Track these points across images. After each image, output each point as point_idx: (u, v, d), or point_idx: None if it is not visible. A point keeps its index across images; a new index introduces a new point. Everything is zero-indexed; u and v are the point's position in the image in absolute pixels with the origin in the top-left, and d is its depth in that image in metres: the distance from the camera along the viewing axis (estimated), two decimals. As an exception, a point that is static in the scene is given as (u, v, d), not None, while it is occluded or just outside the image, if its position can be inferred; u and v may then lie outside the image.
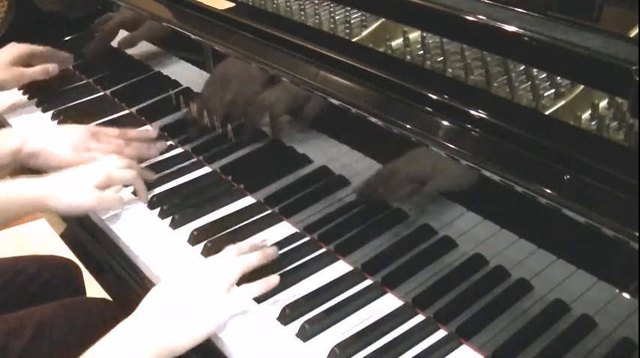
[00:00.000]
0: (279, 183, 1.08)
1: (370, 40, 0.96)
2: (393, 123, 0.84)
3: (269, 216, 1.08)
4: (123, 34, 1.43)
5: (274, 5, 1.10)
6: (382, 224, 0.93)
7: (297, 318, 0.88)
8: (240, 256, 0.92)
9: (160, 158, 1.23)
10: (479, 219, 0.81)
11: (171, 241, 1.05)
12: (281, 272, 0.95)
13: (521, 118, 0.77)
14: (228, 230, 1.05)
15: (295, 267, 0.97)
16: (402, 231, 0.91)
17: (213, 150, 1.21)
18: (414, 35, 0.95)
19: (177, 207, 1.10)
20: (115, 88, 1.47)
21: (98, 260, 1.16)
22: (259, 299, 0.91)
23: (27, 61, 1.42)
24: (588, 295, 0.72)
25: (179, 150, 1.26)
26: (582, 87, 0.78)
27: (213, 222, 1.07)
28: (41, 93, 1.46)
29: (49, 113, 1.41)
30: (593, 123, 0.75)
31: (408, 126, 0.82)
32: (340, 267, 0.97)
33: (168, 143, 1.26)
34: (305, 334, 0.86)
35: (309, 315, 0.89)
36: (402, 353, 0.84)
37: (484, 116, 0.77)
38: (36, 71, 1.41)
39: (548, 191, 0.69)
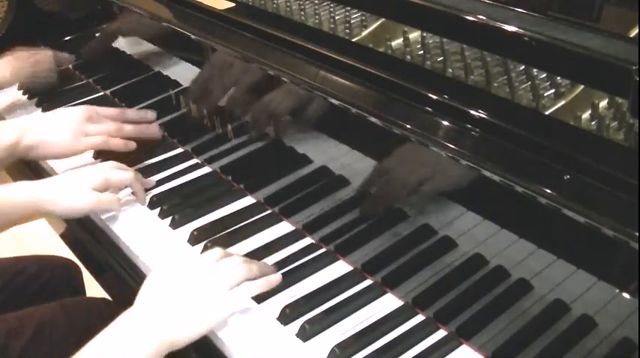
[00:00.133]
0: (279, 183, 1.08)
1: (370, 40, 0.96)
2: (393, 123, 0.84)
3: (269, 216, 1.08)
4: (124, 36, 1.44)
5: (274, 5, 1.10)
6: (382, 224, 0.93)
7: (297, 318, 0.88)
8: (247, 264, 0.90)
9: (160, 158, 1.24)
10: (479, 219, 0.81)
11: (171, 241, 1.05)
12: (281, 272, 0.95)
13: (521, 118, 0.77)
14: (228, 230, 1.05)
15: (295, 267, 0.97)
16: (402, 231, 0.91)
17: (213, 150, 1.21)
18: (414, 35, 0.95)
19: (177, 207, 1.10)
20: (115, 88, 1.47)
21: (98, 260, 1.16)
22: (259, 299, 0.91)
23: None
24: (588, 295, 0.72)
25: (179, 150, 1.26)
26: (582, 87, 0.78)
27: (213, 222, 1.07)
28: (41, 93, 1.46)
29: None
30: (593, 123, 0.75)
31: (408, 126, 0.82)
32: (340, 267, 0.97)
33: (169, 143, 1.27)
34: (305, 334, 0.86)
35: (309, 315, 0.89)
36: (402, 353, 0.84)
37: (484, 116, 0.77)
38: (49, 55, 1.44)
39: (548, 191, 0.69)
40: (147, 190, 1.14)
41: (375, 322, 0.88)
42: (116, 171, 1.09)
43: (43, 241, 2.18)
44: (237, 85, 1.13)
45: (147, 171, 1.19)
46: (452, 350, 0.84)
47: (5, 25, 1.58)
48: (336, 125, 0.97)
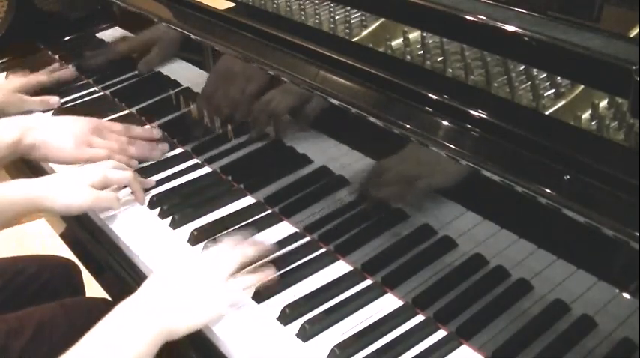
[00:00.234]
0: (279, 183, 1.08)
1: (370, 40, 0.96)
2: (393, 123, 0.84)
3: (269, 216, 1.08)
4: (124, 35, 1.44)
5: (274, 5, 1.10)
6: (382, 224, 0.93)
7: (297, 318, 0.88)
8: (238, 247, 0.93)
9: (160, 158, 1.23)
10: (479, 219, 0.81)
11: (171, 241, 1.05)
12: (281, 272, 0.95)
13: (521, 118, 0.77)
14: (228, 230, 1.05)
15: (295, 267, 0.97)
16: (402, 231, 0.91)
17: (213, 150, 1.21)
18: (414, 35, 0.95)
19: (177, 207, 1.10)
20: (115, 88, 1.47)
21: (98, 260, 1.16)
22: (259, 299, 0.91)
23: (30, 89, 1.43)
24: (588, 295, 0.72)
25: (179, 150, 1.26)
26: (582, 87, 0.78)
27: (213, 222, 1.07)
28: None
29: (49, 113, 1.41)
30: (593, 123, 0.75)
31: (408, 126, 0.82)
32: (340, 267, 0.97)
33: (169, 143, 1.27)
34: (305, 334, 0.86)
35: (309, 315, 0.89)
36: (402, 353, 0.84)
37: (484, 116, 0.77)
38: (36, 101, 1.42)
39: (548, 191, 0.69)
40: (147, 190, 1.14)
41: (375, 322, 0.88)
42: (115, 170, 1.09)
43: (43, 241, 2.18)
44: (237, 86, 1.13)
45: (147, 171, 1.19)
46: (452, 350, 0.84)
47: (5, 25, 1.58)
48: (336, 125, 0.97)
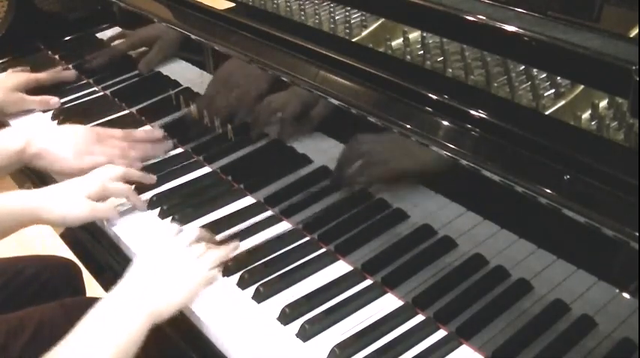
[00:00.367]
0: (279, 183, 1.08)
1: (370, 40, 0.96)
2: (393, 123, 0.84)
3: (269, 216, 1.08)
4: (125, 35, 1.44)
5: (274, 5, 1.10)
6: (382, 224, 0.93)
7: (297, 318, 0.88)
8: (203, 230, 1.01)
9: (160, 158, 1.23)
10: (479, 219, 0.81)
11: (171, 241, 1.04)
12: (281, 272, 0.95)
13: (521, 118, 0.77)
14: (228, 230, 1.05)
15: (295, 267, 0.97)
16: (402, 231, 0.91)
17: (213, 150, 1.21)
18: (414, 35, 0.95)
19: (177, 207, 1.10)
20: (115, 88, 1.47)
21: (98, 260, 1.16)
22: (259, 299, 0.91)
23: (29, 87, 1.43)
24: (588, 295, 0.72)
25: (179, 150, 1.26)
26: (582, 87, 0.78)
27: (213, 221, 1.07)
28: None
29: (49, 113, 1.41)
30: (593, 123, 0.75)
31: (408, 126, 0.82)
32: (340, 267, 0.97)
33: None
34: (305, 334, 0.86)
35: (309, 315, 0.89)
36: (402, 353, 0.84)
37: (484, 116, 0.77)
38: (35, 100, 1.41)
39: (548, 191, 0.69)
40: (147, 189, 1.14)
41: (375, 322, 0.88)
42: (114, 183, 1.08)
43: (43, 241, 2.18)
44: (237, 86, 1.13)
45: (147, 172, 1.18)
46: (452, 350, 0.84)
47: (5, 25, 1.58)
48: (336, 125, 0.97)
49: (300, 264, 0.97)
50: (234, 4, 1.12)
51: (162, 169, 1.20)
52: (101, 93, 1.49)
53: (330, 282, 0.94)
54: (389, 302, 0.90)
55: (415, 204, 0.89)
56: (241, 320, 0.89)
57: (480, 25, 0.83)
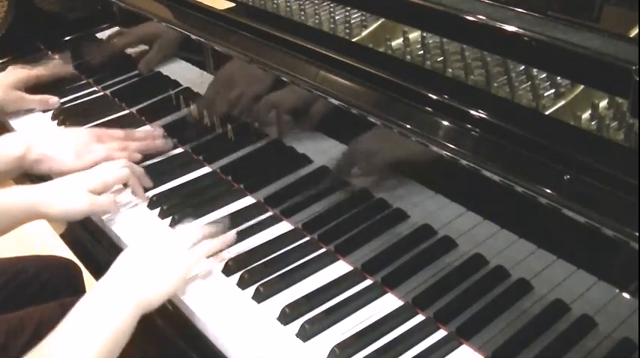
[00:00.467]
0: (279, 183, 1.08)
1: (370, 40, 0.96)
2: (393, 123, 0.84)
3: (269, 216, 1.08)
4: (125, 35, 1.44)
5: (274, 5, 1.10)
6: (382, 224, 0.93)
7: (297, 318, 0.88)
8: (204, 226, 1.00)
9: (160, 158, 1.24)
10: (479, 219, 0.81)
11: (171, 241, 1.04)
12: (281, 272, 0.95)
13: (521, 118, 0.77)
14: (228, 230, 1.05)
15: (295, 267, 0.97)
16: (402, 231, 0.91)
17: (213, 150, 1.21)
18: (414, 35, 0.95)
19: (177, 207, 1.10)
20: (115, 88, 1.47)
21: (98, 260, 1.16)
22: (259, 299, 0.91)
23: (29, 84, 1.43)
24: (588, 295, 0.72)
25: (179, 150, 1.26)
26: (582, 87, 0.78)
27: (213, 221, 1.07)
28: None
29: (49, 113, 1.41)
30: (593, 123, 0.75)
31: (408, 126, 0.82)
32: (340, 267, 0.97)
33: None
34: (305, 334, 0.86)
35: (309, 315, 0.89)
36: (402, 353, 0.84)
37: (484, 116, 0.77)
38: (35, 100, 1.42)
39: (548, 191, 0.69)
40: (146, 190, 1.14)
41: (375, 322, 0.88)
42: (112, 171, 1.08)
43: (43, 241, 2.18)
44: (237, 86, 1.13)
45: (147, 172, 1.18)
46: (452, 350, 0.84)
47: (5, 25, 1.58)
48: (336, 125, 0.97)
49: (300, 264, 0.97)
50: (234, 4, 1.12)
51: (162, 169, 1.20)
52: (101, 93, 1.49)
53: (330, 282, 0.94)
54: (389, 302, 0.90)
55: (415, 204, 0.89)
56: (241, 320, 0.89)
57: (480, 25, 0.83)
